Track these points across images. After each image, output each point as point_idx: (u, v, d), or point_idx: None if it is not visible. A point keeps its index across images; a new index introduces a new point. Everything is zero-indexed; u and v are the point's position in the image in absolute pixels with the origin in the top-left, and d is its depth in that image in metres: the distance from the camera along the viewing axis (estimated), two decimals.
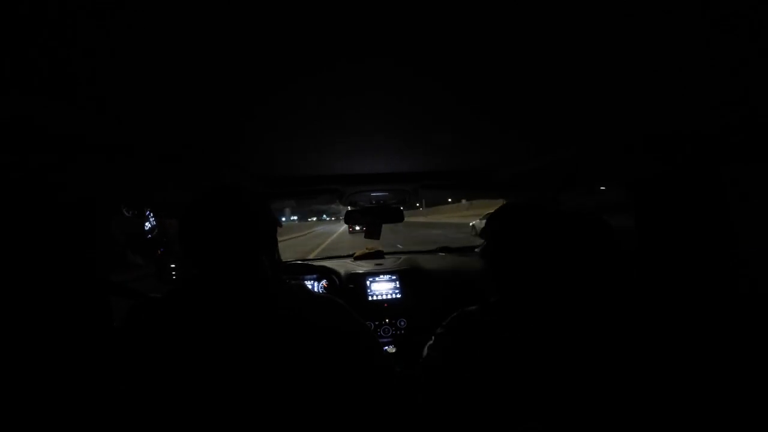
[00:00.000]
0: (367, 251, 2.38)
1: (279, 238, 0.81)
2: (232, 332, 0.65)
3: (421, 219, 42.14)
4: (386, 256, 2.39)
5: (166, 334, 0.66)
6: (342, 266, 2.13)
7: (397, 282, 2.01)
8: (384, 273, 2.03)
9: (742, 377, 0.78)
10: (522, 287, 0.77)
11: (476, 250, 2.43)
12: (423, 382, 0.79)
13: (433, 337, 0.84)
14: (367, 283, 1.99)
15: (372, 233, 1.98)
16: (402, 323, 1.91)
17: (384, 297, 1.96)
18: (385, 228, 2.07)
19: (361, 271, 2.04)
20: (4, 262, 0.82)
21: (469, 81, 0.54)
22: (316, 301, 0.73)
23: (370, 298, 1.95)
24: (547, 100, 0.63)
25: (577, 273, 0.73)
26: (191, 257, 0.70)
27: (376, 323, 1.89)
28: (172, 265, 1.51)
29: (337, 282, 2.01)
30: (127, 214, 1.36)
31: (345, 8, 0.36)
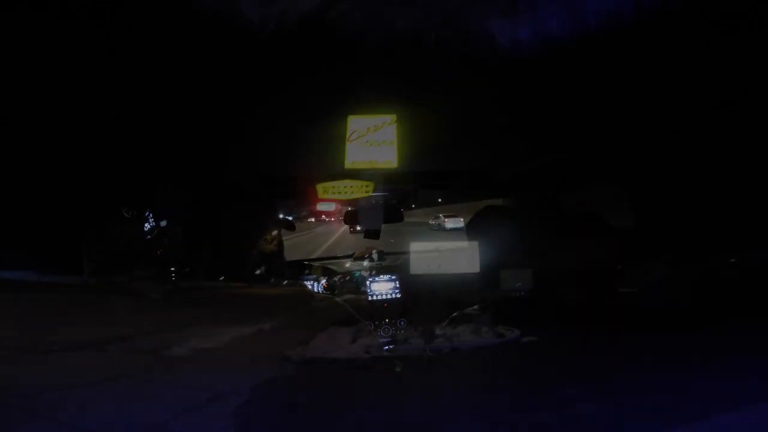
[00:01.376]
0: (367, 251, 2.39)
1: None
2: None
3: None
4: (386, 256, 2.38)
5: None
6: (342, 266, 2.13)
7: (397, 282, 2.00)
8: (384, 273, 2.02)
9: (742, 378, 0.78)
10: (513, 289, 0.77)
11: None
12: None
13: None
14: (367, 283, 1.99)
15: (372, 234, 1.98)
16: (402, 323, 1.90)
17: (384, 297, 1.96)
18: None
19: (361, 272, 2.04)
20: (4, 262, 0.81)
21: (468, 81, 0.54)
22: None
23: (370, 298, 1.95)
24: (546, 100, 0.63)
25: (575, 273, 0.73)
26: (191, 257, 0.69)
27: (376, 323, 1.89)
28: (172, 269, 1.51)
29: (337, 282, 2.01)
30: (126, 215, 1.36)
31: (345, 11, 0.36)
